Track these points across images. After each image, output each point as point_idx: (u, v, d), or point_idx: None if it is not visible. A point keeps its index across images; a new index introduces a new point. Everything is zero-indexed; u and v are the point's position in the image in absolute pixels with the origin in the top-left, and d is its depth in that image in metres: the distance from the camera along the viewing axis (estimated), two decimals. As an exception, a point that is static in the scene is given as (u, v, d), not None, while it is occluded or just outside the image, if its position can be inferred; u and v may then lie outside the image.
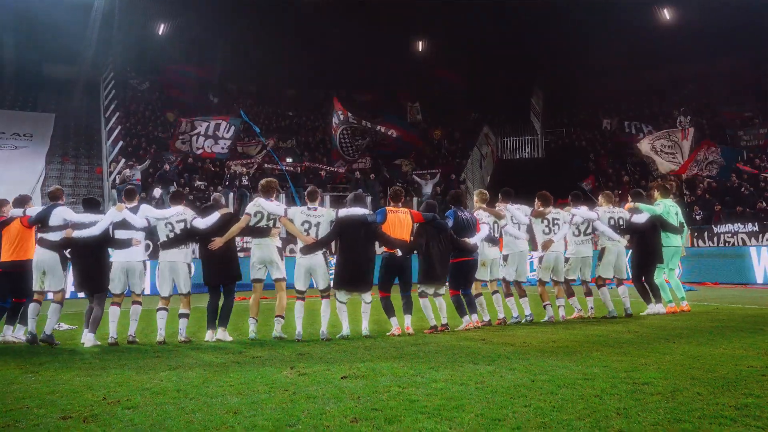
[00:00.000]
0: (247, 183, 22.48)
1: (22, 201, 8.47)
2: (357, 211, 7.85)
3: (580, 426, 3.62)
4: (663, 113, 29.69)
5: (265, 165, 23.79)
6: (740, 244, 17.47)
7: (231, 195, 21.08)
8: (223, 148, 24.30)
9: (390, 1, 29.15)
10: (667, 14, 28.99)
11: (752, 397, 4.17)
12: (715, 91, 29.17)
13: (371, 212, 8.06)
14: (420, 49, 35.08)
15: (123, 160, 22.06)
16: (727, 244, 17.85)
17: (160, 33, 31.56)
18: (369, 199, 21.55)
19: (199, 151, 23.79)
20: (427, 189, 24.26)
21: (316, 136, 32.38)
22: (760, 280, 15.42)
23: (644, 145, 21.73)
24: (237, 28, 30.28)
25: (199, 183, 22.61)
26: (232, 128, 24.33)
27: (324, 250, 7.99)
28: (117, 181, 20.97)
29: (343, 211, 7.91)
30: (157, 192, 20.58)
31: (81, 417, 4.09)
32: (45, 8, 26.23)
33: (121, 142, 23.82)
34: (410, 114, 34.93)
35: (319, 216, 7.90)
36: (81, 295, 9.20)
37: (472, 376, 5.14)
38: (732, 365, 5.26)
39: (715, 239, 18.23)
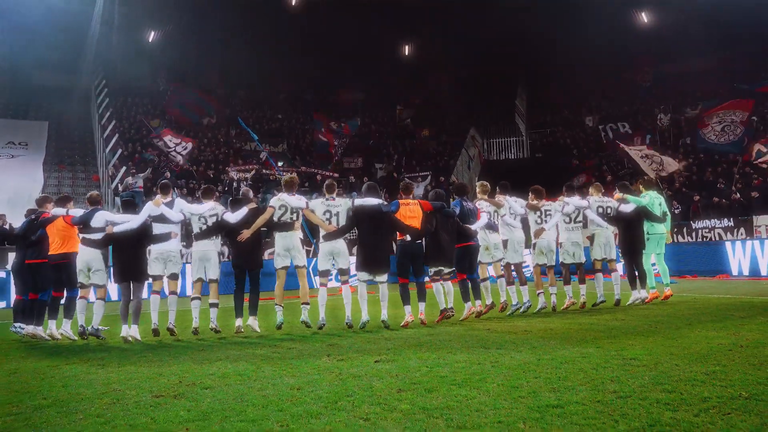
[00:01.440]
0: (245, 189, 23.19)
1: (64, 200, 9.32)
2: (371, 200, 8.77)
3: (583, 389, 4.54)
4: (642, 111, 30.84)
5: (263, 171, 24.53)
6: (717, 238, 18.61)
7: (229, 201, 21.74)
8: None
9: (378, 5, 29.97)
10: (645, 16, 30.23)
11: (719, 366, 5.13)
12: (693, 90, 30.41)
13: (385, 203, 8.94)
14: (407, 53, 36.01)
15: (124, 168, 22.71)
16: (704, 239, 19.00)
17: (150, 40, 32.11)
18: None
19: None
20: (419, 190, 25.16)
21: (306, 139, 33.12)
22: (735, 272, 16.51)
23: (631, 152, 22.93)
24: (226, 33, 30.83)
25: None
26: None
27: (344, 236, 8.87)
28: (120, 188, 21.61)
29: (358, 201, 8.83)
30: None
31: (170, 395, 4.93)
32: (34, 16, 26.60)
33: (119, 150, 24.47)
34: (399, 116, 35.94)
35: (337, 206, 8.79)
36: (114, 297, 10.01)
37: (486, 357, 6.04)
38: (705, 343, 6.24)
39: (694, 234, 19.37)
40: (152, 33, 31.83)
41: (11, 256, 17.97)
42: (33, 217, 9.20)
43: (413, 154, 31.70)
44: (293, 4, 30.76)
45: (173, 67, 32.71)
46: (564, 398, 4.31)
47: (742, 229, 18.44)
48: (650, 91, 32.24)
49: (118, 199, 21.15)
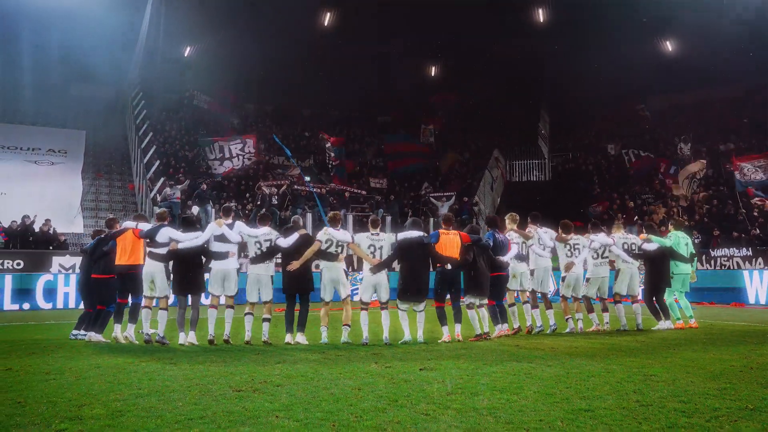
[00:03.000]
0: (276, 203, 24.15)
1: (140, 218, 10.28)
2: (414, 233, 9.50)
3: (609, 398, 5.26)
4: (664, 140, 31.37)
5: (295, 186, 25.42)
6: (735, 267, 19.09)
7: (283, 228, 22.55)
8: (244, 161, 26.27)
9: (405, 29, 30.93)
10: (669, 45, 30.97)
11: (730, 383, 5.81)
12: (713, 120, 30.92)
13: (426, 234, 9.67)
14: (433, 74, 37.02)
15: (162, 179, 23.73)
16: (723, 267, 19.49)
17: (186, 55, 33.36)
18: (389, 219, 23.33)
19: (225, 170, 25.89)
20: (443, 210, 25.89)
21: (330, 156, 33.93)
22: (752, 300, 17.03)
23: (682, 179, 23.45)
24: (256, 49, 31.76)
25: (230, 204, 24.20)
26: (259, 144, 26.39)
27: (388, 268, 9.61)
28: (159, 198, 22.60)
29: (402, 234, 9.56)
30: (195, 209, 22.21)
31: (249, 390, 5.70)
32: (73, 27, 27.58)
33: (157, 162, 25.54)
34: (423, 135, 36.71)
35: (381, 240, 9.54)
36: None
37: (520, 370, 6.75)
38: (718, 364, 6.91)
39: (712, 262, 19.87)
40: (188, 48, 33.05)
41: (55, 260, 19.09)
42: (103, 235, 10.08)
43: (437, 175, 32.47)
44: (325, 25, 31.87)
45: (207, 82, 33.74)
46: (593, 404, 5.02)
47: (760, 259, 18.90)
48: (671, 119, 32.74)
49: (156, 208, 22.18)
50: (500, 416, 4.69)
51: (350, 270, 16.22)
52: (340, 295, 9.61)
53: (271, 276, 9.67)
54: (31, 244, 20.13)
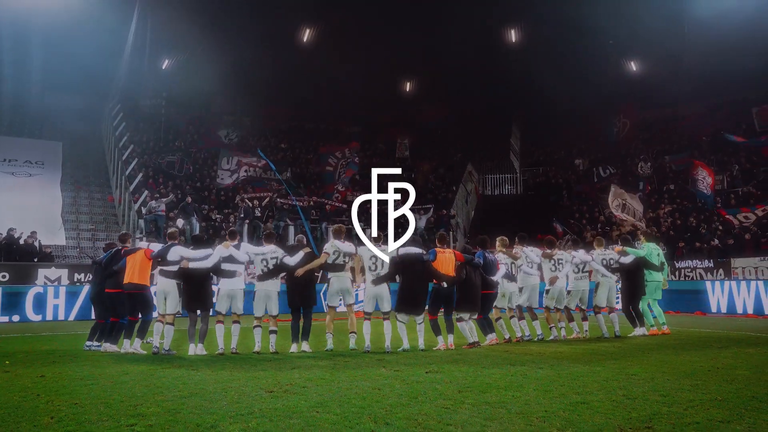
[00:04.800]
0: (259, 215, 24.68)
1: (150, 237, 10.69)
2: (413, 249, 10.23)
3: (599, 393, 6.08)
4: (630, 155, 32.78)
5: (278, 199, 25.97)
6: (698, 278, 20.32)
7: (245, 226, 23.20)
8: (235, 180, 26.86)
9: (381, 44, 31.79)
10: (633, 64, 32.58)
11: (701, 381, 6.70)
12: (677, 137, 32.48)
13: (425, 251, 10.41)
14: (408, 89, 38.00)
15: (145, 192, 24.03)
16: (687, 278, 20.72)
17: (164, 67, 33.64)
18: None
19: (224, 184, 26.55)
20: (421, 223, 26.71)
21: (309, 169, 34.59)
22: (714, 309, 18.20)
23: (609, 197, 24.79)
24: (234, 61, 32.23)
25: (216, 216, 24.69)
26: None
27: (389, 281, 10.31)
28: (144, 211, 22.89)
29: (402, 250, 10.26)
30: (180, 222, 22.58)
31: (280, 391, 6.34)
32: (49, 37, 27.61)
33: (140, 175, 25.81)
34: (399, 150, 37.59)
35: (385, 251, 10.21)
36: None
37: (515, 371, 7.54)
38: (689, 365, 7.83)
39: (677, 273, 21.08)
40: (166, 60, 33.29)
41: (41, 273, 19.30)
42: (116, 249, 10.57)
43: (414, 187, 33.25)
44: (304, 41, 32.60)
45: (186, 93, 33.94)
46: (587, 398, 5.82)
47: (721, 270, 20.16)
48: (637, 136, 34.19)
49: (141, 221, 22.50)
50: (511, 408, 5.45)
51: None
52: (346, 303, 10.27)
53: (278, 292, 10.27)
54: (15, 257, 20.28)
